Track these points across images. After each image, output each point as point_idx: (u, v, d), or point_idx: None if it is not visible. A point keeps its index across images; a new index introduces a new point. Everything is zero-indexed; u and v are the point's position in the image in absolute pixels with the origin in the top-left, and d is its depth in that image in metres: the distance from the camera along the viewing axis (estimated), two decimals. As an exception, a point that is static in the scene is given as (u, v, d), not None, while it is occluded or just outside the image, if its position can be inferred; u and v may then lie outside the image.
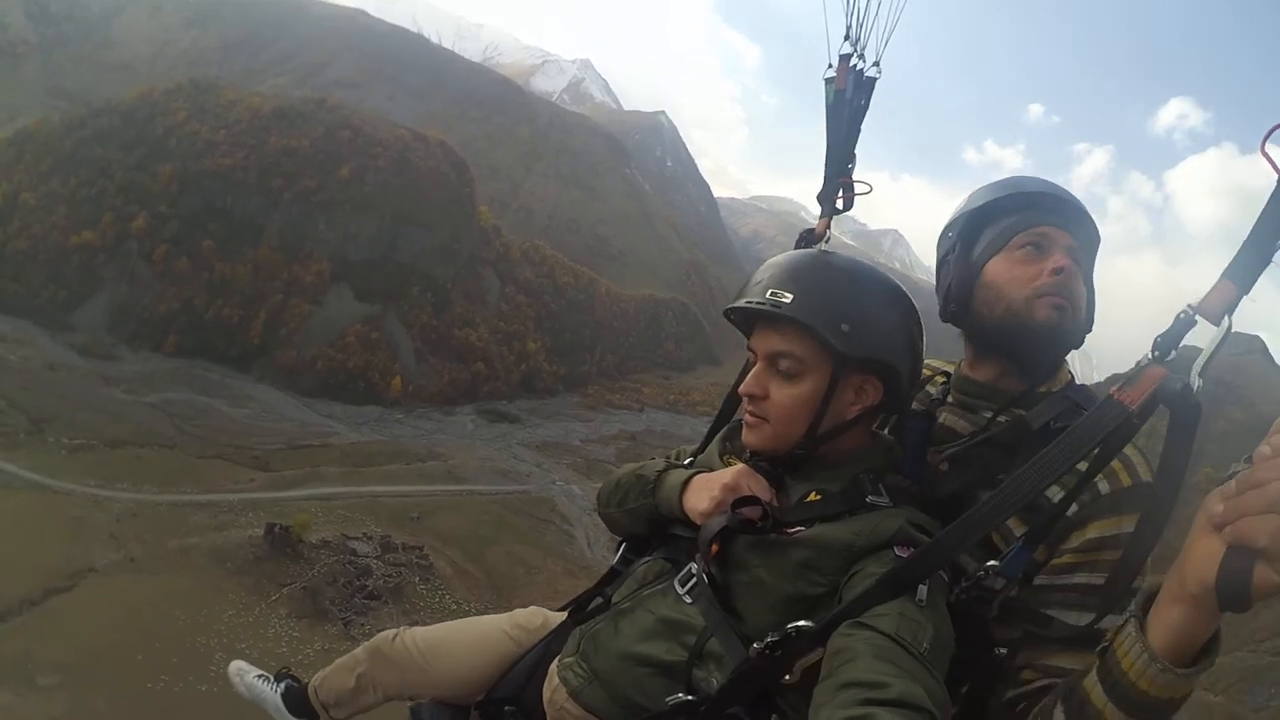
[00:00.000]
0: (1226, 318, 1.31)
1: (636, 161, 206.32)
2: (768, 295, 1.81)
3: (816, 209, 2.53)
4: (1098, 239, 2.00)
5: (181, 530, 49.18)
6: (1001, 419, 1.98)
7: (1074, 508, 1.71)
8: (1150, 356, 1.42)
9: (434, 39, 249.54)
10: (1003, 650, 1.78)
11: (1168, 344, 1.40)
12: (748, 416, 1.91)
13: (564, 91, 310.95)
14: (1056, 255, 1.93)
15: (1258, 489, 1.09)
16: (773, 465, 1.92)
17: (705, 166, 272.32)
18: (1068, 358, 2.03)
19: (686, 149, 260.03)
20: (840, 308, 1.79)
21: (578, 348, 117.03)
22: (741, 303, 1.85)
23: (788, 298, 1.79)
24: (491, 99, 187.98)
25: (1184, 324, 1.38)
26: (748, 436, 1.92)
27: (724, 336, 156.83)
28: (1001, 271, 2.00)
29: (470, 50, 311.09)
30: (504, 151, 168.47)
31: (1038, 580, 1.76)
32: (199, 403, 77.81)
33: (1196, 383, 1.32)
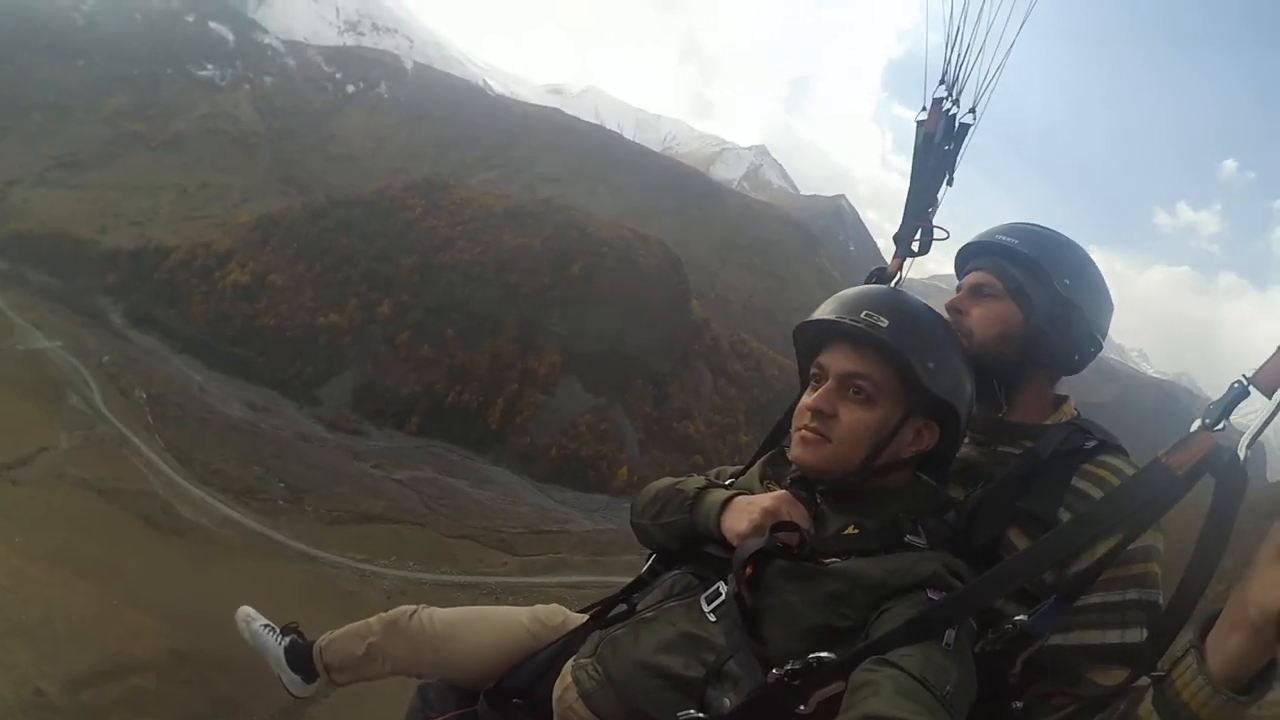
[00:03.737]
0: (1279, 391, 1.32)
1: (822, 248, 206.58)
2: (862, 315, 1.84)
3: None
4: (1031, 260, 2.11)
5: None
6: (1008, 449, 2.08)
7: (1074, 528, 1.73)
8: (1202, 424, 1.41)
9: (615, 129, 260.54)
10: (1019, 705, 1.77)
11: (1219, 413, 1.40)
12: (805, 433, 1.90)
13: (743, 179, 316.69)
14: (956, 296, 2.23)
15: None
16: (812, 493, 1.96)
17: (881, 246, 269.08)
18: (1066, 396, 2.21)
19: (868, 232, 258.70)
20: (928, 344, 1.85)
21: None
22: (832, 315, 1.89)
23: (884, 322, 1.82)
24: (684, 191, 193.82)
25: (1237, 394, 1.38)
26: (802, 453, 1.91)
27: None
28: None
29: (650, 140, 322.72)
30: (699, 242, 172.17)
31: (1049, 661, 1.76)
32: (443, 482, 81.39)
33: (1244, 454, 1.33)
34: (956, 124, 2.52)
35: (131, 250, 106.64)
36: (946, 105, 2.51)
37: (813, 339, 2.02)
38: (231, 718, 26.13)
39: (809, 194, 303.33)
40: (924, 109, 2.53)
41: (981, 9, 2.31)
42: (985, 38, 2.35)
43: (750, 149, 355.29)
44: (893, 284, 2.55)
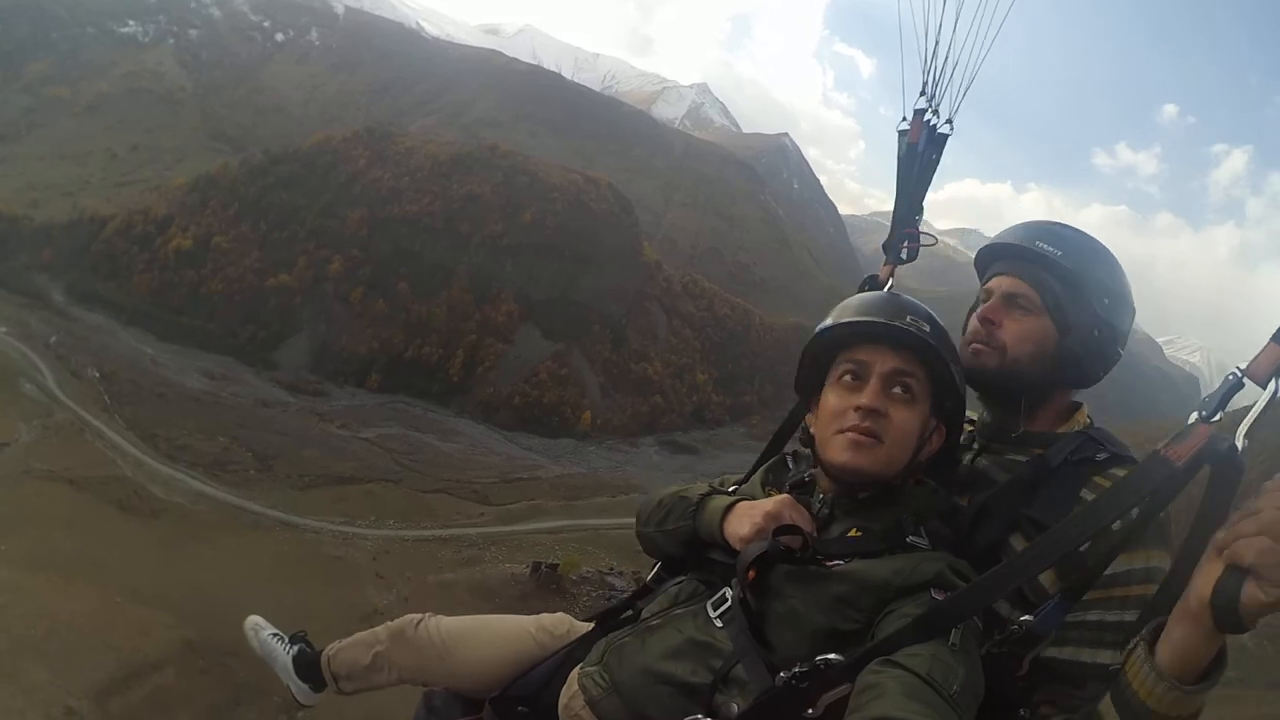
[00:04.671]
0: (1274, 381, 1.34)
1: (767, 186, 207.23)
2: (908, 319, 1.87)
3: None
4: (1074, 277, 2.05)
5: (435, 566, 50.30)
6: (1020, 458, 2.07)
7: (1085, 544, 1.73)
8: (1199, 416, 1.44)
9: (554, 69, 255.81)
10: (1024, 712, 1.80)
11: (1214, 404, 1.44)
12: (856, 435, 1.86)
13: (685, 117, 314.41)
14: (988, 303, 2.14)
15: (1252, 515, 1.19)
16: (816, 495, 1.99)
17: (824, 183, 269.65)
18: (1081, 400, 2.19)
19: (811, 170, 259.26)
20: (953, 350, 1.92)
21: (739, 378, 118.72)
22: (880, 319, 1.89)
23: (927, 327, 1.87)
24: (627, 132, 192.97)
25: (1232, 386, 1.42)
26: (854, 456, 1.86)
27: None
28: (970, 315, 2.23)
29: (590, 80, 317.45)
30: (644, 183, 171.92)
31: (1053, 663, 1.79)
32: (411, 438, 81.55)
33: (1242, 443, 1.33)
34: (936, 134, 2.56)
35: (65, 223, 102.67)
36: (928, 116, 2.53)
37: (831, 343, 2.01)
38: (253, 703, 25.84)
39: (751, 132, 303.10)
40: (904, 119, 2.55)
41: (955, 26, 2.36)
42: (960, 53, 2.39)
43: (691, 87, 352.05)
44: (886, 290, 2.55)
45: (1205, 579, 1.25)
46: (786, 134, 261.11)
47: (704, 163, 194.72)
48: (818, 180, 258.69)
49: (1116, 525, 1.63)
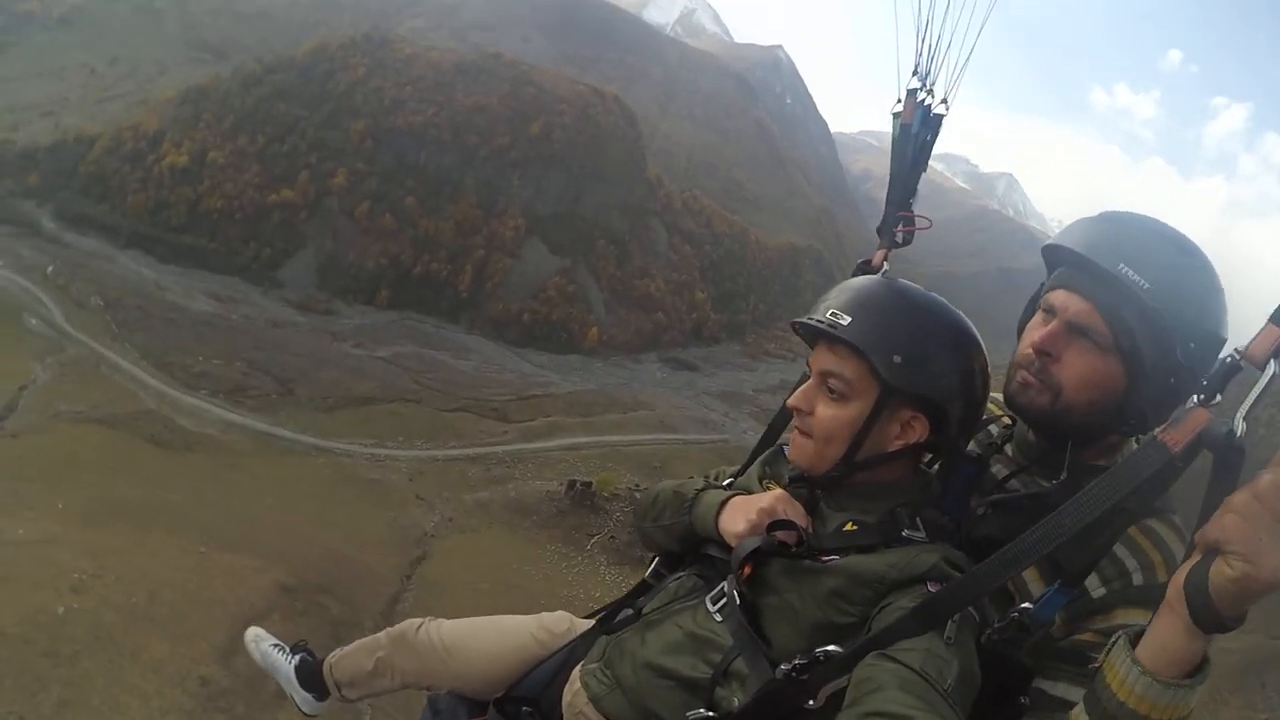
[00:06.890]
0: (1272, 362, 1.28)
1: (760, 100, 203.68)
2: (828, 314, 1.86)
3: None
4: (1161, 315, 1.71)
5: (468, 486, 51.37)
6: (1046, 483, 1.96)
7: (1102, 590, 1.73)
8: (1196, 400, 1.37)
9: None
10: (1026, 700, 1.75)
11: (1213, 388, 1.36)
12: (795, 434, 1.97)
13: (676, 23, 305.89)
14: (1049, 328, 1.88)
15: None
16: (811, 490, 2.00)
17: (818, 99, 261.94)
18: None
19: (804, 85, 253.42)
20: (897, 338, 1.81)
21: (735, 296, 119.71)
22: (803, 318, 1.92)
23: (846, 319, 1.83)
24: (622, 39, 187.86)
25: (1230, 369, 1.36)
26: (792, 452, 1.99)
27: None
28: (1028, 328, 1.99)
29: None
30: (638, 92, 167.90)
31: (1059, 646, 1.75)
32: (426, 356, 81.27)
33: (1241, 427, 1.28)
34: (931, 114, 2.44)
35: (49, 145, 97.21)
36: (921, 96, 2.41)
37: (808, 338, 2.04)
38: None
39: (744, 42, 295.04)
40: (899, 101, 2.44)
41: (949, 2, 2.26)
42: (954, 30, 2.28)
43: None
44: (880, 275, 2.41)
45: (1183, 569, 1.27)
46: (780, 46, 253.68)
47: (698, 73, 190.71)
48: (810, 97, 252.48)
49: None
